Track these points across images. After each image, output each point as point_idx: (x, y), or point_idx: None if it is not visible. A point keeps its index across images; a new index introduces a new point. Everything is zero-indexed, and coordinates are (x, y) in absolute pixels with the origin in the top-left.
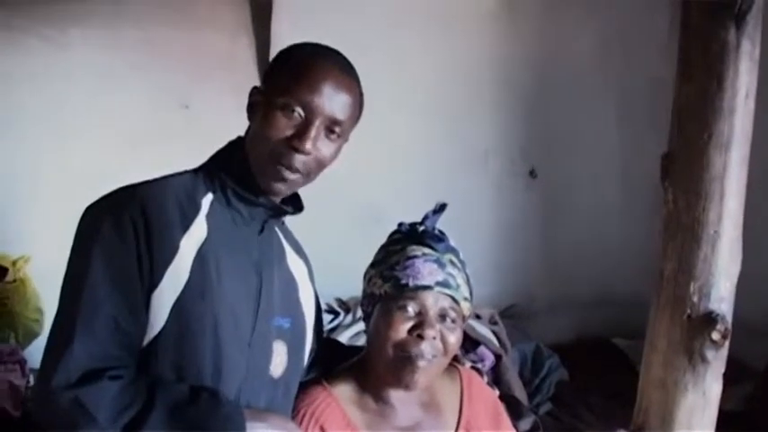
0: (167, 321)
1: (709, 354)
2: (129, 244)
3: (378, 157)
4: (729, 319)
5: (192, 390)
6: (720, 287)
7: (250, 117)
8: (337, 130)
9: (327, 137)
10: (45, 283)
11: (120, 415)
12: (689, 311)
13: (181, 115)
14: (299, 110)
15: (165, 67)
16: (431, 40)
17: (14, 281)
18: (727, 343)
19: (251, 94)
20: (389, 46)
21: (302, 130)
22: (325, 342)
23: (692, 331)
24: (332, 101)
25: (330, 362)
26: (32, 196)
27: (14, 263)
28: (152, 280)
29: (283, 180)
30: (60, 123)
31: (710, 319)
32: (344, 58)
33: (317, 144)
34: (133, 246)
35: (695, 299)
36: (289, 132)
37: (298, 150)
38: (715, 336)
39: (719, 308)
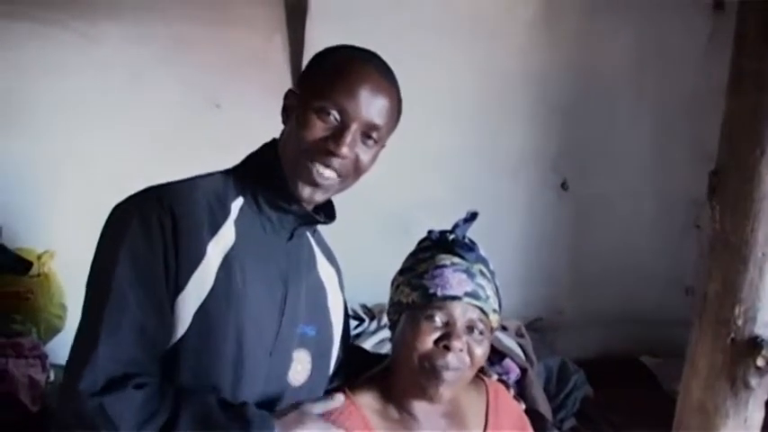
0: (190, 327)
1: (753, 380)
2: (156, 246)
3: (408, 164)
4: None
5: (220, 402)
6: (766, 311)
7: (284, 120)
8: (374, 135)
9: (364, 142)
10: (69, 279)
11: (143, 426)
12: (733, 335)
13: (211, 114)
14: (335, 113)
15: (197, 64)
16: (465, 48)
17: (39, 275)
18: None
19: (286, 97)
20: (423, 53)
21: (338, 134)
22: (351, 349)
23: (736, 356)
24: (369, 105)
25: (354, 369)
26: (59, 191)
27: (39, 257)
28: (177, 284)
29: (315, 184)
30: (88, 117)
31: (755, 344)
32: (383, 62)
33: (354, 149)
34: (161, 249)
35: (740, 322)
36: (324, 135)
37: (333, 154)
38: (760, 362)
39: (765, 333)
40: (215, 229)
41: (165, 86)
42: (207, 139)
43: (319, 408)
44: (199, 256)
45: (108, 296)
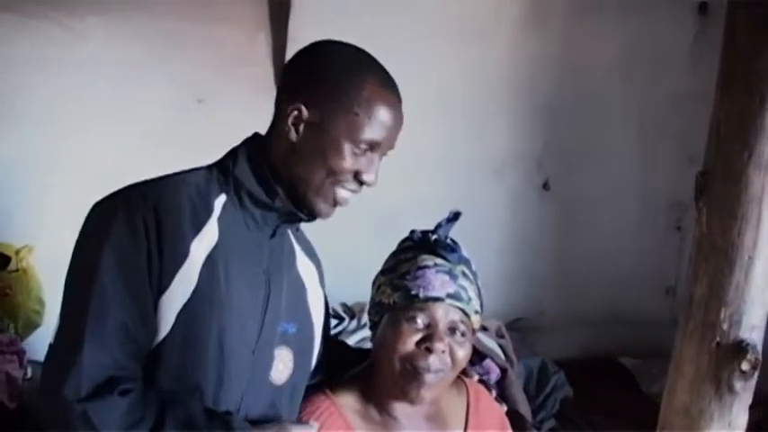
0: (173, 328)
1: (738, 384)
2: (140, 245)
3: (392, 163)
4: (760, 348)
5: (205, 410)
6: (752, 315)
7: (293, 130)
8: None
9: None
10: (48, 274)
11: (132, 427)
12: (718, 339)
13: (196, 110)
14: (365, 146)
15: (182, 60)
16: (451, 47)
17: (17, 270)
18: (756, 374)
19: (296, 109)
20: (408, 51)
21: (370, 164)
22: (332, 344)
23: (721, 360)
24: (394, 135)
25: (336, 365)
26: (38, 186)
27: (18, 252)
28: (161, 284)
29: (336, 204)
30: (73, 113)
31: (741, 349)
32: (394, 81)
33: None
34: (144, 247)
35: (725, 326)
36: (357, 167)
37: (365, 184)
38: (745, 366)
39: (750, 337)
40: (198, 227)
41: (151, 82)
42: (192, 135)
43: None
44: (182, 255)
45: (90, 296)
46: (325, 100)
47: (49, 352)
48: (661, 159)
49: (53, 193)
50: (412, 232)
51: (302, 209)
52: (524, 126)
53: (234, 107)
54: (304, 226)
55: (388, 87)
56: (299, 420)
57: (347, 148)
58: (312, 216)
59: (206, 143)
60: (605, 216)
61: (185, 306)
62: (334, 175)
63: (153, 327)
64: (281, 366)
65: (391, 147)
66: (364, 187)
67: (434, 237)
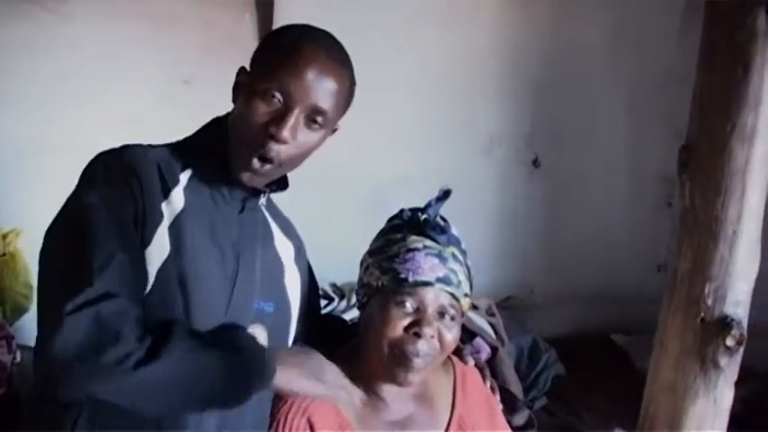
0: (153, 285)
1: (723, 360)
2: (126, 195)
3: (380, 140)
4: (745, 324)
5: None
6: (737, 290)
7: (235, 98)
8: (319, 119)
9: (309, 126)
10: (36, 259)
11: (144, 334)
12: (703, 314)
13: (182, 90)
14: (278, 96)
15: (169, 42)
16: (438, 24)
17: (4, 255)
18: (741, 349)
19: (238, 74)
20: (395, 29)
21: (280, 118)
22: (324, 321)
23: (706, 335)
24: (315, 88)
25: (331, 341)
26: (25, 169)
27: (5, 236)
28: (144, 239)
29: (252, 171)
30: (58, 95)
31: (725, 324)
32: (336, 43)
33: (296, 133)
34: (130, 199)
35: (710, 301)
36: (266, 118)
37: (274, 138)
38: (729, 341)
39: (735, 312)
40: (166, 192)
41: (137, 63)
42: (179, 116)
43: None
44: (159, 215)
45: (89, 242)
46: (253, 63)
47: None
48: (650, 136)
49: (40, 176)
50: (401, 211)
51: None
52: (513, 104)
53: (220, 88)
54: (291, 205)
55: (311, 40)
56: (275, 401)
57: (257, 99)
58: (281, 187)
59: (192, 124)
60: (595, 193)
61: (162, 267)
62: (247, 137)
63: (146, 273)
64: None
65: (314, 106)
66: (355, 167)
67: (424, 216)
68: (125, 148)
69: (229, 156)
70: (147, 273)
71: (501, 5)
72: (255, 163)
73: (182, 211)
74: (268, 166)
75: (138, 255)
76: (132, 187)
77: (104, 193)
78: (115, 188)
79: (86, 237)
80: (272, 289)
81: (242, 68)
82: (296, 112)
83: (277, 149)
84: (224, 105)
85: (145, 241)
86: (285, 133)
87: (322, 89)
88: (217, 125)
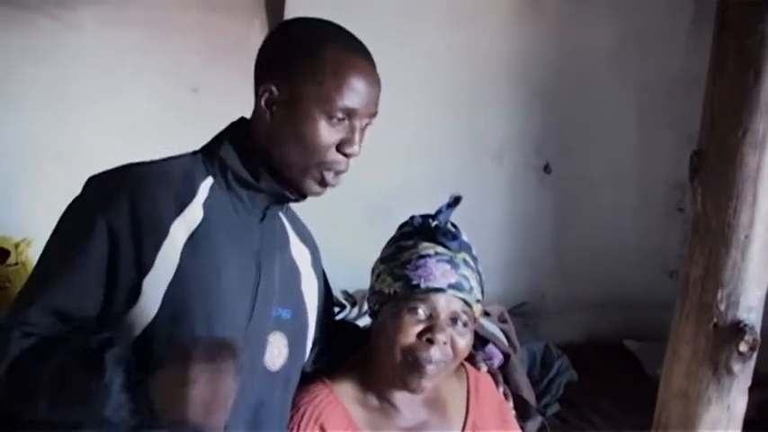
0: (161, 308)
1: (736, 366)
2: (99, 235)
3: (390, 148)
4: (758, 329)
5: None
6: (750, 295)
7: (263, 112)
8: (372, 120)
9: (364, 129)
10: None
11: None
12: (715, 320)
13: (190, 98)
14: (342, 116)
15: (176, 49)
16: (448, 32)
17: (16, 264)
18: (755, 355)
19: (266, 90)
20: (405, 36)
21: (350, 136)
22: (337, 329)
23: (719, 341)
24: (371, 100)
25: (340, 351)
26: (36, 178)
27: (17, 246)
28: (142, 265)
29: (327, 185)
30: (68, 104)
31: (738, 330)
32: (361, 42)
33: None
34: (102, 231)
35: (722, 307)
36: (336, 139)
37: (348, 156)
38: (742, 347)
39: (748, 318)
40: (180, 208)
41: (144, 71)
42: (187, 124)
43: None
44: (162, 234)
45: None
46: (291, 76)
47: None
48: (660, 141)
49: (50, 185)
50: (412, 218)
51: (289, 189)
52: (522, 110)
53: (229, 96)
54: (301, 213)
55: (351, 50)
56: (294, 405)
57: (321, 120)
58: (302, 196)
59: (201, 132)
60: (606, 199)
61: (170, 286)
62: (319, 158)
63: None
64: (276, 352)
65: (372, 113)
66: (365, 174)
67: (435, 223)
68: (136, 168)
69: (292, 176)
70: (141, 307)
71: (510, 13)
72: (331, 178)
73: (201, 224)
74: (341, 176)
75: (78, 297)
76: (117, 218)
77: (75, 221)
78: (84, 217)
79: (37, 264)
80: (289, 295)
81: (272, 82)
82: (363, 124)
83: (348, 161)
84: (232, 112)
85: (144, 266)
86: (358, 149)
87: (374, 97)
88: (239, 127)
